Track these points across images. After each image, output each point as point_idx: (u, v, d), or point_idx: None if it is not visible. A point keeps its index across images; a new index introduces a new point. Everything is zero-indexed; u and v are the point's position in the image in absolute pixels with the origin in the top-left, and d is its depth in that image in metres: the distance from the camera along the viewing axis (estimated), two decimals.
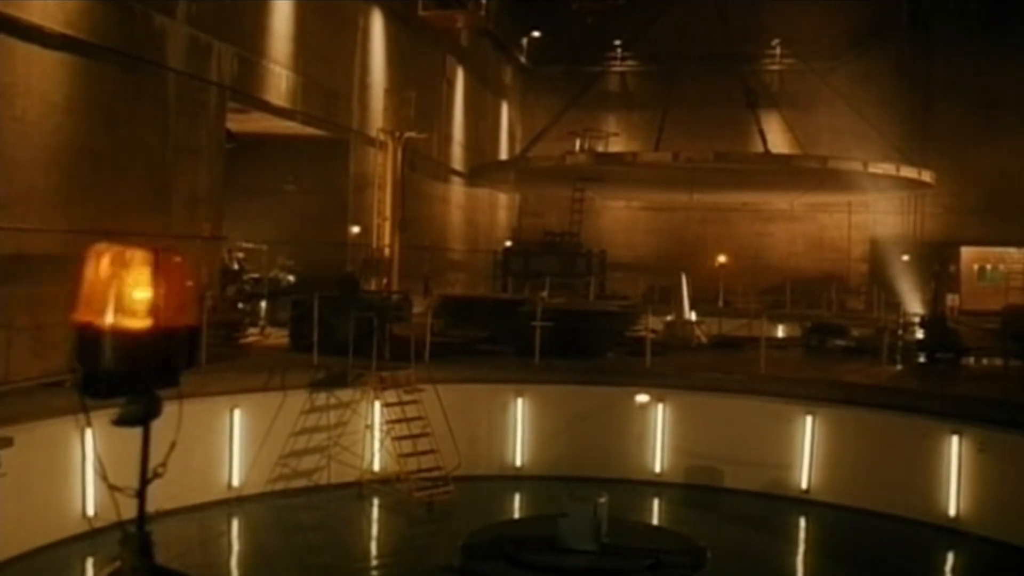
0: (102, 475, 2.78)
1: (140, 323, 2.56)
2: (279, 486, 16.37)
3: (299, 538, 15.25)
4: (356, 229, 25.48)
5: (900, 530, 15.71)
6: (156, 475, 2.67)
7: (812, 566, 15.79)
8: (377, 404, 16.68)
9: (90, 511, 12.70)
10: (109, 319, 2.53)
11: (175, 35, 17.46)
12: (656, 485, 17.86)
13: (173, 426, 2.76)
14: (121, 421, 2.58)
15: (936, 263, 33.72)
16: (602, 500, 12.64)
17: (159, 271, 2.59)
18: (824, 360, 21.68)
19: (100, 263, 2.59)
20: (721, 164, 32.31)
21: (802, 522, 17.02)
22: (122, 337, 2.53)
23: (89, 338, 2.53)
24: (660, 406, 17.90)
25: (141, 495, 2.63)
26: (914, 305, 28.96)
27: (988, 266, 36.58)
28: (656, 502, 17.71)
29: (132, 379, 2.56)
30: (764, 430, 17.46)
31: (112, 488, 2.66)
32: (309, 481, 16.71)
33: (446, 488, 15.98)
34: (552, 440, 18.11)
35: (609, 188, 38.41)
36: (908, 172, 32.95)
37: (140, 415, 2.58)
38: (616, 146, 38.75)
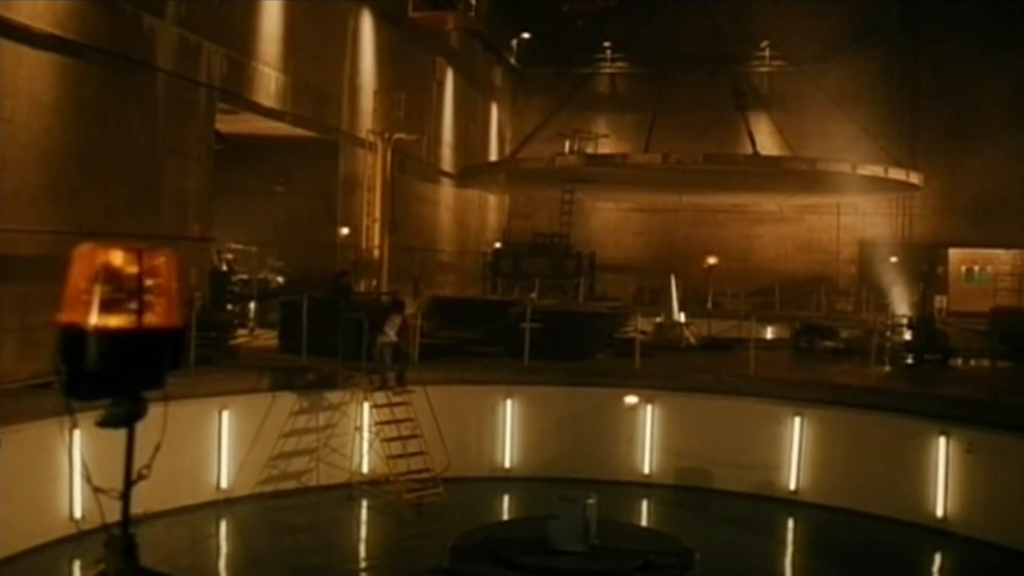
0: (86, 477, 2.77)
1: (124, 323, 2.55)
2: (268, 488, 16.34)
3: (288, 540, 15.21)
4: (346, 230, 25.44)
5: (888, 531, 15.76)
6: (141, 477, 2.66)
7: (800, 567, 15.83)
8: (366, 406, 16.66)
9: (77, 513, 12.65)
10: (93, 319, 2.51)
11: (164, 36, 17.41)
12: (645, 486, 17.89)
13: (159, 428, 2.76)
14: (105, 423, 2.57)
15: (924, 264, 33.79)
16: (591, 501, 12.64)
17: (143, 271, 2.58)
18: (813, 361, 21.74)
19: (84, 263, 2.58)
20: (710, 166, 32.38)
21: (790, 523, 17.07)
22: (106, 338, 2.52)
23: (73, 338, 2.52)
24: (649, 407, 17.93)
25: (125, 497, 2.62)
26: (902, 306, 29.01)
27: (976, 268, 36.78)
28: (645, 503, 17.73)
29: (116, 380, 2.54)
30: (753, 431, 17.51)
31: (96, 490, 2.65)
32: (298, 483, 16.69)
33: (435, 490, 15.96)
34: (541, 441, 18.12)
35: (599, 190, 38.42)
36: (896, 174, 33.08)
37: (124, 417, 2.57)
38: (606, 148, 38.71)
